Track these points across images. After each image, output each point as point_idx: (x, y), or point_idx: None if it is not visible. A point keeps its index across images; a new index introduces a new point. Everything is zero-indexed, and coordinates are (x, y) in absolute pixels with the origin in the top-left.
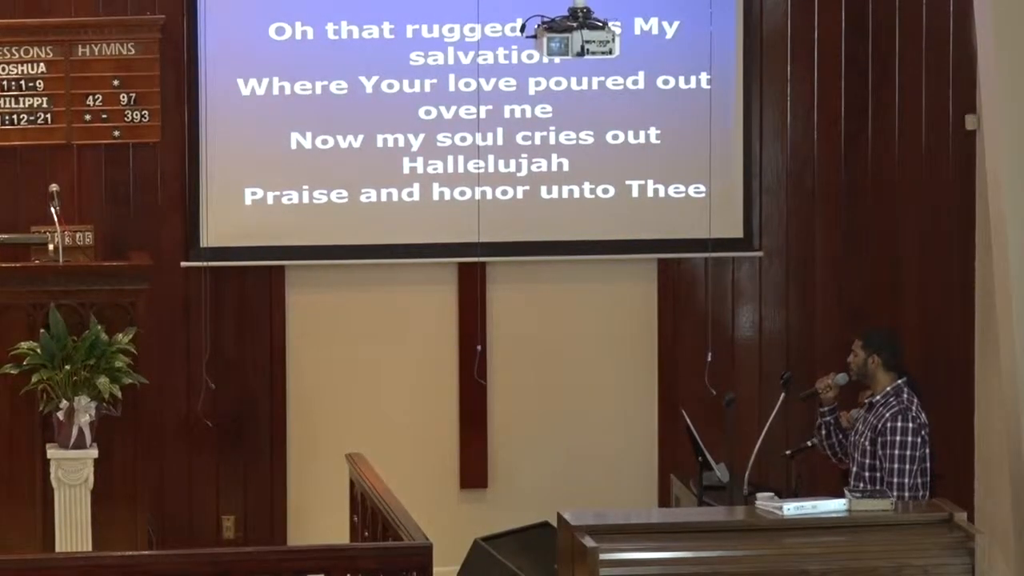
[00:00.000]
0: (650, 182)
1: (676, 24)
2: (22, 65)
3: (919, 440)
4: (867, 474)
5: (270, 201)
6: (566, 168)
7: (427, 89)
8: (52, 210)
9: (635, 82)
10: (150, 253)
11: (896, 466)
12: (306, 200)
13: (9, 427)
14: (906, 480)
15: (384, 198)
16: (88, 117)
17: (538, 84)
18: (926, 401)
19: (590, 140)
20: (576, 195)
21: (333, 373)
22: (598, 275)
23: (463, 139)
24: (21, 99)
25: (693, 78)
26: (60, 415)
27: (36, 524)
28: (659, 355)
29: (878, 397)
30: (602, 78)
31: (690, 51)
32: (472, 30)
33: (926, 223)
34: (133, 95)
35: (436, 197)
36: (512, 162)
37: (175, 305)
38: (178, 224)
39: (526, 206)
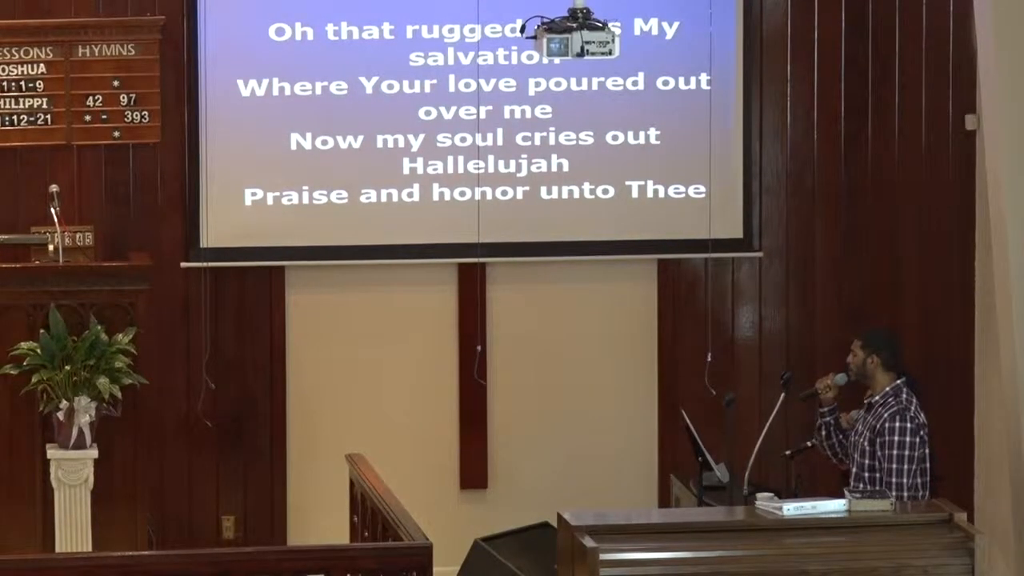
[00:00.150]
0: (650, 183)
1: (676, 25)
2: (22, 65)
3: (918, 440)
4: (867, 474)
5: (270, 201)
6: (566, 169)
7: (427, 90)
8: (52, 210)
9: (635, 83)
10: (150, 253)
11: (895, 466)
12: (306, 200)
13: (9, 427)
14: (905, 480)
15: (384, 198)
16: (88, 117)
17: (538, 85)
18: (926, 401)
19: (590, 141)
20: (576, 195)
21: (333, 373)
22: (598, 275)
23: (463, 139)
24: (21, 99)
25: (693, 79)
26: (60, 415)
27: (36, 524)
28: (659, 355)
29: (877, 397)
30: (602, 79)
31: (690, 52)
32: (472, 31)
33: (926, 223)
34: (133, 95)
35: (436, 197)
36: (512, 162)
37: (175, 305)
38: (178, 224)
39: (526, 206)
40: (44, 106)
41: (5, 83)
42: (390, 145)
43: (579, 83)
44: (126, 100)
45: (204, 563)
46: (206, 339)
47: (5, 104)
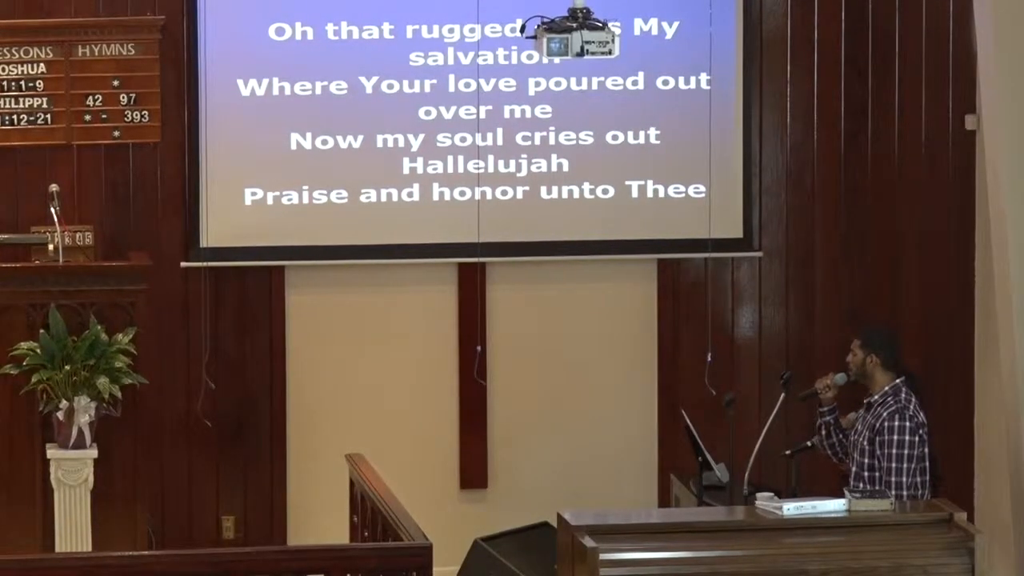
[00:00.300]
0: (650, 182)
1: (676, 24)
2: (22, 65)
3: (917, 439)
4: (866, 474)
5: (270, 201)
6: (566, 168)
7: (427, 89)
8: (52, 210)
9: (635, 82)
10: (150, 253)
11: (894, 465)
12: (306, 200)
13: (9, 427)
14: (904, 479)
15: (384, 198)
16: (88, 117)
17: (538, 84)
18: (926, 400)
19: (590, 140)
20: (576, 195)
21: (333, 373)
22: (598, 275)
23: (463, 139)
24: (21, 99)
25: (693, 78)
26: (60, 415)
27: (36, 524)
28: (659, 355)
29: (876, 397)
30: (602, 78)
31: (690, 51)
32: (472, 30)
33: (926, 223)
34: (133, 95)
35: (436, 197)
36: (512, 162)
37: (175, 305)
38: (178, 224)
39: (526, 206)
40: (44, 106)
41: (5, 83)
42: (390, 145)
43: (579, 83)
44: (126, 100)
45: (204, 563)
46: (206, 339)
47: (5, 104)
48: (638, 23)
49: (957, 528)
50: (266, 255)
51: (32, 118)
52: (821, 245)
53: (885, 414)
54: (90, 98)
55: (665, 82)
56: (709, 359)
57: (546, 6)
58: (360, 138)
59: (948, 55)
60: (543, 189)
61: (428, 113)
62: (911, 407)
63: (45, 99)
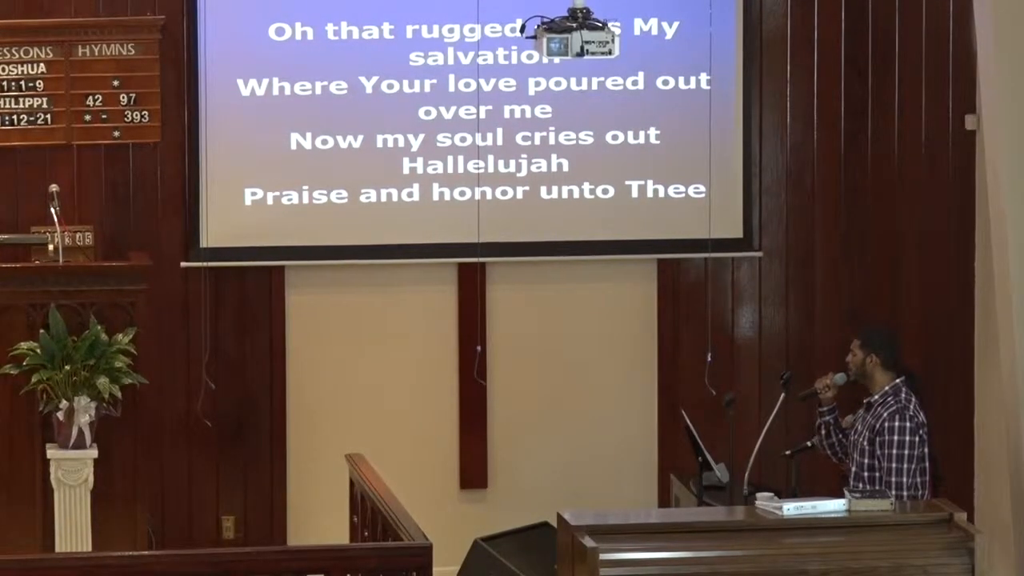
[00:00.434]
0: (650, 182)
1: (676, 25)
2: (22, 65)
3: (917, 439)
4: (866, 474)
5: (270, 201)
6: (566, 168)
7: (427, 89)
8: (52, 210)
9: (635, 82)
10: (150, 253)
11: (894, 465)
12: (306, 200)
13: (9, 427)
14: (904, 479)
15: (384, 198)
16: (88, 117)
17: (538, 84)
18: (926, 400)
19: (590, 140)
20: (576, 195)
21: (333, 373)
22: (598, 275)
23: (463, 139)
24: (21, 99)
25: (693, 78)
26: (60, 415)
27: (36, 524)
28: (659, 355)
29: (876, 397)
30: (602, 78)
31: (690, 51)
32: (472, 30)
33: (926, 223)
34: (133, 95)
35: (436, 197)
36: (512, 162)
37: (175, 305)
38: (178, 224)
39: (526, 206)
40: (44, 106)
41: (5, 83)
42: (390, 145)
43: (579, 83)
44: (126, 100)
45: (204, 563)
46: (206, 339)
47: (5, 104)
48: (638, 23)
49: (957, 528)
50: (266, 255)
51: (32, 118)
52: (821, 245)
53: (885, 414)
54: (90, 98)
55: (665, 82)
56: (709, 359)
57: (546, 6)
58: (360, 138)
59: (948, 55)
60: (543, 189)
61: (428, 113)
62: (911, 407)
63: (45, 99)
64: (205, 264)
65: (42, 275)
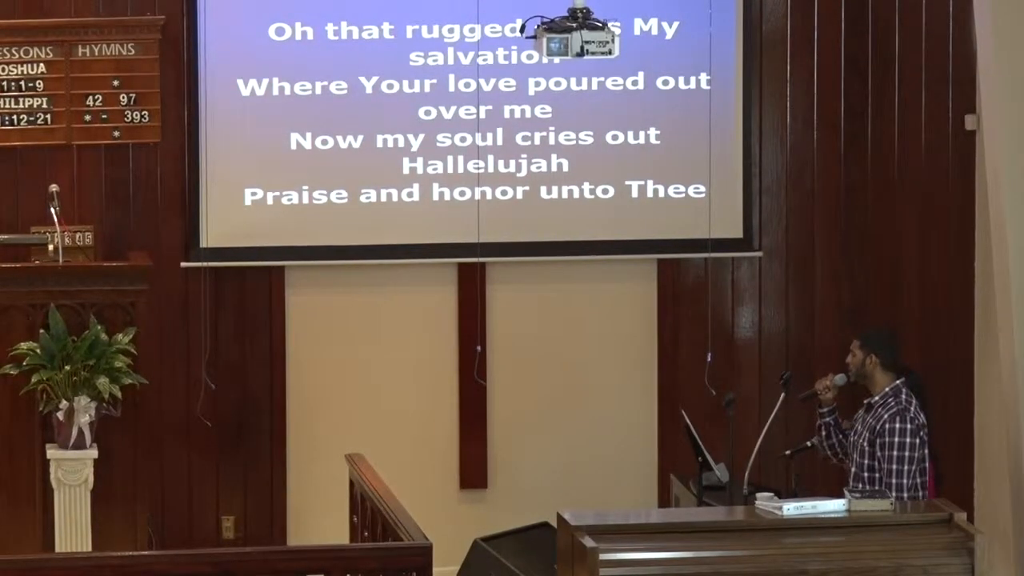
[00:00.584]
0: (650, 182)
1: (676, 24)
2: (22, 65)
3: (917, 441)
4: (866, 475)
5: (270, 201)
6: (566, 168)
7: (427, 89)
8: (52, 210)
9: (635, 82)
10: (150, 253)
11: (895, 467)
12: (306, 200)
13: (9, 427)
14: (904, 480)
15: (384, 198)
16: (88, 117)
17: (538, 84)
18: (926, 400)
19: (590, 140)
20: (576, 195)
21: (333, 373)
22: (598, 275)
23: (463, 139)
24: (21, 99)
25: (693, 78)
26: (60, 415)
27: (36, 524)
28: (659, 355)
29: (876, 398)
30: (602, 78)
31: (690, 51)
32: (472, 30)
33: (926, 223)
34: (133, 95)
35: (436, 197)
36: (512, 162)
37: (175, 305)
38: (178, 224)
39: (526, 206)
40: (44, 106)
41: (5, 83)
42: (390, 145)
43: (579, 83)
44: (126, 100)
45: (204, 563)
46: (206, 339)
47: (5, 104)
48: (638, 23)
49: (957, 528)
50: (266, 255)
51: (32, 118)
52: (821, 245)
53: (886, 416)
54: (90, 98)
55: (665, 82)
56: (709, 359)
57: (546, 6)
58: (360, 138)
59: (948, 55)
60: (543, 189)
61: (428, 113)
62: (912, 409)
63: (45, 99)
64: (205, 264)
65: (42, 275)
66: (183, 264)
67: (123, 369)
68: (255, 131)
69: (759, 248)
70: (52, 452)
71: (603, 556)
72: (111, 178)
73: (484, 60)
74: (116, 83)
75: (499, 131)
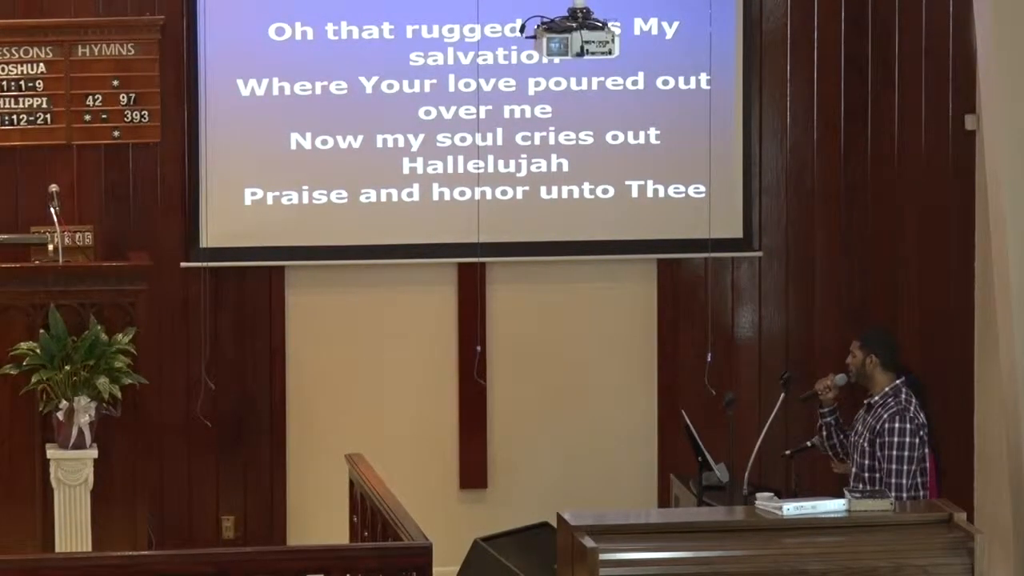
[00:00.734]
0: (650, 182)
1: (676, 24)
2: (22, 65)
3: (917, 440)
4: (866, 475)
5: (270, 201)
6: (566, 168)
7: (427, 89)
8: (52, 210)
9: (635, 82)
10: (150, 253)
11: (894, 467)
12: (306, 200)
13: (9, 427)
14: (904, 480)
15: (384, 198)
16: (88, 117)
17: (538, 84)
18: (926, 400)
19: (590, 140)
20: (576, 195)
21: (333, 373)
22: (598, 275)
23: (463, 139)
24: (21, 99)
25: (693, 78)
26: (60, 415)
27: (36, 524)
28: (659, 355)
29: (876, 398)
30: (602, 78)
31: (690, 51)
32: (472, 30)
33: (926, 223)
34: (133, 95)
35: (436, 197)
36: (512, 162)
37: (175, 305)
38: (178, 224)
39: (526, 206)
40: (44, 106)
41: (5, 83)
42: (390, 145)
43: (579, 83)
44: (126, 100)
45: (204, 563)
46: (206, 339)
47: (5, 104)
48: (638, 23)
49: (957, 528)
50: (266, 255)
51: (32, 118)
52: (821, 245)
53: (885, 416)
54: (90, 98)
55: (665, 82)
56: (709, 359)
57: (546, 6)
58: (360, 138)
59: (948, 55)
60: (543, 189)
61: (428, 113)
62: (911, 408)
63: (45, 99)
64: (205, 264)
65: (42, 275)
66: (183, 264)
67: (123, 369)
68: (255, 131)
69: (759, 248)
70: (52, 452)
71: (603, 556)
72: (111, 178)
73: (484, 60)
74: (116, 83)
75: (499, 131)
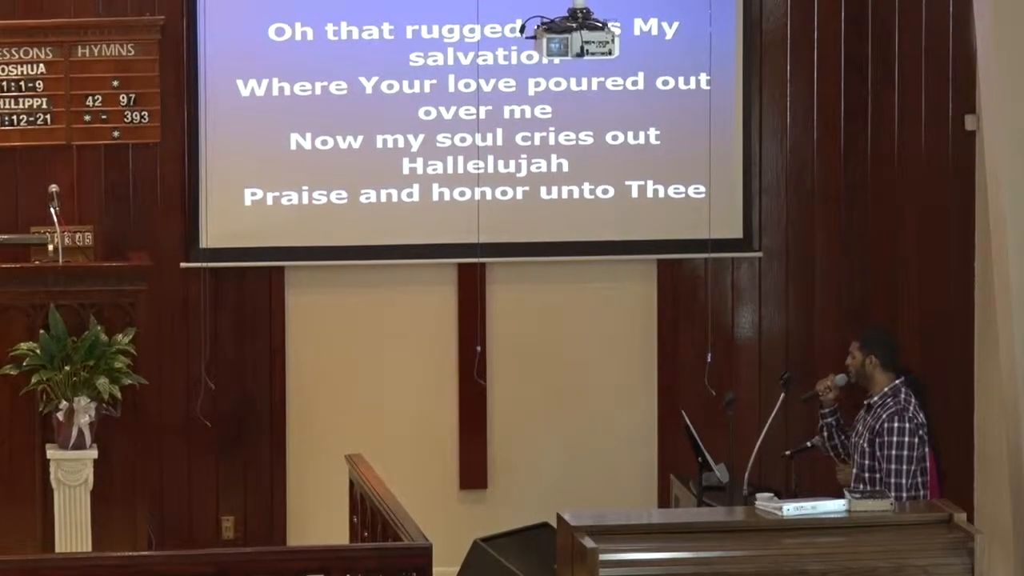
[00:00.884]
0: (650, 183)
1: (676, 25)
2: (22, 65)
3: (917, 440)
4: (867, 475)
5: (270, 202)
6: (566, 169)
7: (427, 90)
8: (52, 210)
9: (635, 83)
10: (150, 253)
11: (894, 467)
12: (306, 201)
13: (9, 427)
14: (904, 480)
15: (384, 199)
16: (88, 118)
17: (538, 85)
18: (926, 400)
19: (590, 141)
20: (576, 196)
21: (333, 373)
22: (598, 275)
23: (463, 140)
24: (21, 99)
25: (693, 79)
26: (60, 415)
27: (36, 524)
28: (659, 356)
29: (876, 398)
30: (602, 79)
31: (690, 52)
32: (472, 31)
33: (926, 223)
34: (133, 95)
35: (436, 198)
36: (512, 163)
37: (175, 305)
38: (178, 224)
39: (526, 206)
40: (44, 106)
41: (5, 83)
42: (390, 145)
43: (579, 83)
44: (126, 100)
45: (204, 563)
46: (206, 339)
47: (5, 104)
48: (638, 23)
49: (957, 528)
50: (266, 255)
51: (32, 118)
52: (821, 245)
53: (885, 416)
54: (90, 98)
55: (665, 82)
56: (709, 359)
57: (546, 6)
58: (360, 138)
59: (948, 55)
60: (543, 189)
61: (428, 113)
62: (911, 408)
63: (45, 99)
64: (205, 264)
65: (42, 275)
66: (183, 264)
67: (123, 369)
68: (255, 131)
69: (759, 248)
70: (52, 452)
71: (603, 556)
72: (111, 178)
73: (484, 60)
74: (116, 83)
75: (499, 131)
